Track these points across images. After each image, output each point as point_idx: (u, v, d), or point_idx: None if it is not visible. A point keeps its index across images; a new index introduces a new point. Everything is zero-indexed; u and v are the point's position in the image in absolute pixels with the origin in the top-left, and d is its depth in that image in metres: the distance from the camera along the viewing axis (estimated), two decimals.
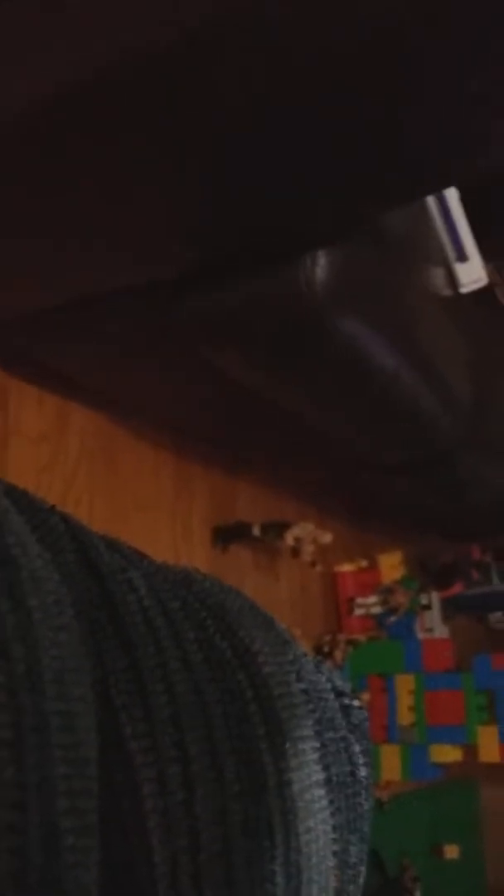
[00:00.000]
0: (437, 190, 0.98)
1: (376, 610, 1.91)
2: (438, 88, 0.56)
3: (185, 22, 0.51)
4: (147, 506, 1.38)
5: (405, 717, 1.66)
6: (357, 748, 0.30)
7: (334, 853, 0.26)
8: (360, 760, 0.30)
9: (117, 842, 0.21)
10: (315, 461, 1.44)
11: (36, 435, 1.17)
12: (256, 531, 1.54)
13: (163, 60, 0.54)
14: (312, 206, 0.71)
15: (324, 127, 0.60)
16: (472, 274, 1.07)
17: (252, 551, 1.64)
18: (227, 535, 1.55)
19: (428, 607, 2.13)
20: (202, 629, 0.26)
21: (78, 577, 0.24)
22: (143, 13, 0.51)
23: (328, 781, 0.27)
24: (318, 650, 1.74)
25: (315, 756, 0.27)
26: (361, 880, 0.29)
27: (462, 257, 1.06)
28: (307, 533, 1.58)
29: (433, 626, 2.11)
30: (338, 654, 1.73)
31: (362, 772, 0.29)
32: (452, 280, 1.07)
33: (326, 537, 1.60)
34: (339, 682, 0.31)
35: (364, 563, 1.99)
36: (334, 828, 0.27)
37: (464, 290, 1.08)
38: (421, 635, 1.99)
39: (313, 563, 1.64)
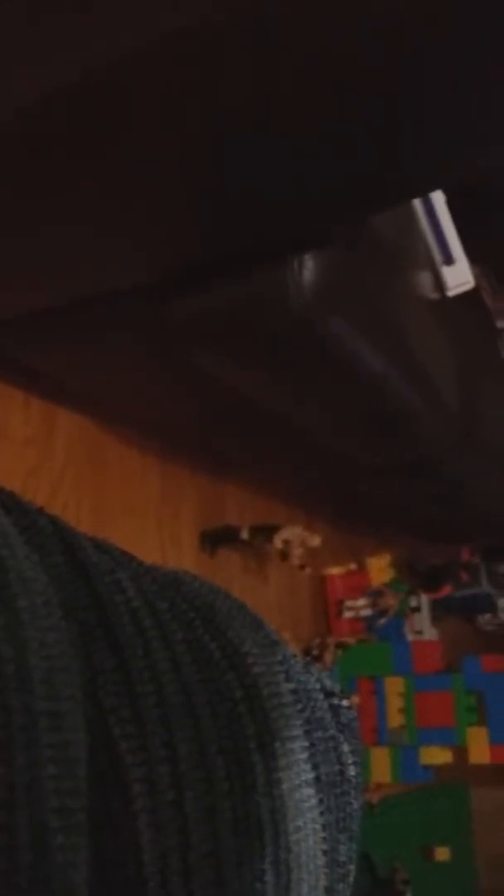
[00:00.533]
0: (437, 190, 0.99)
1: (365, 612, 1.92)
2: (438, 88, 0.56)
3: (184, 22, 0.51)
4: (134, 510, 1.38)
5: (395, 719, 1.66)
6: (346, 748, 0.30)
7: (324, 852, 0.27)
8: (350, 760, 0.30)
9: (107, 841, 0.21)
10: (303, 464, 1.44)
11: (22, 439, 1.17)
12: (245, 535, 1.54)
13: (163, 60, 0.54)
14: (312, 206, 0.71)
15: (323, 127, 0.60)
16: (459, 277, 1.08)
17: (241, 555, 1.64)
18: (215, 538, 1.55)
19: (417, 609, 2.14)
20: (191, 630, 0.26)
21: (66, 579, 0.24)
22: (143, 13, 0.51)
23: (317, 781, 0.27)
24: (307, 653, 1.74)
25: (304, 755, 0.27)
26: (351, 879, 0.29)
27: (449, 260, 1.06)
28: (296, 536, 1.58)
29: (422, 628, 2.12)
30: (327, 657, 1.73)
31: (351, 771, 0.30)
32: (439, 283, 1.07)
33: (315, 540, 1.60)
34: (328, 683, 0.31)
35: (353, 566, 1.99)
36: (324, 826, 0.27)
37: (451, 293, 1.08)
38: (410, 637, 2.00)
39: (302, 567, 1.64)
